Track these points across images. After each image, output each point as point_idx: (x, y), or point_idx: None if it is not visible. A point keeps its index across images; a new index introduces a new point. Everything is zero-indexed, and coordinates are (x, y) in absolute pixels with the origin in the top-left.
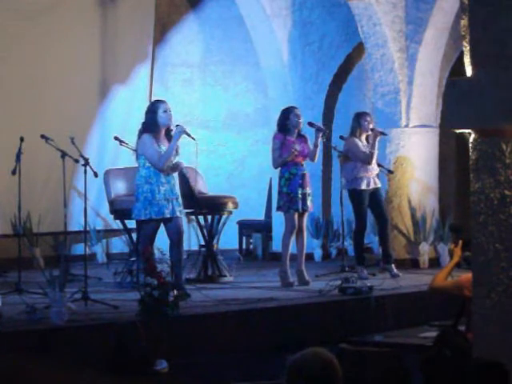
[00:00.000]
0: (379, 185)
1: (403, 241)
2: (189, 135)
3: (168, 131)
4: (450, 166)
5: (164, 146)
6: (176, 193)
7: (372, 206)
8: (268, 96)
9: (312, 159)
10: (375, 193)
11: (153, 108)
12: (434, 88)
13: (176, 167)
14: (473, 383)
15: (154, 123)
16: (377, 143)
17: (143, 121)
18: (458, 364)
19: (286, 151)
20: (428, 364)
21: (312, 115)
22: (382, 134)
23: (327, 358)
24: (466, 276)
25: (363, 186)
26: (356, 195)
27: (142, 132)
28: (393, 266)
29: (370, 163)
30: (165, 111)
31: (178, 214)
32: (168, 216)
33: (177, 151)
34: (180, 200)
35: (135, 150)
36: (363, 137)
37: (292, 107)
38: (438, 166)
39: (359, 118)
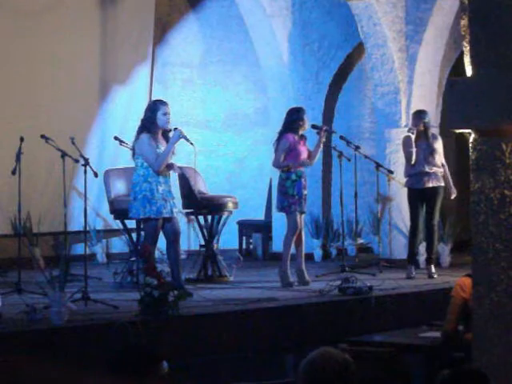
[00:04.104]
0: (437, 184)
1: (403, 241)
2: (187, 140)
3: (165, 132)
4: (449, 165)
5: (162, 145)
6: (172, 194)
7: (426, 204)
8: (268, 96)
9: (313, 159)
10: (430, 191)
11: (153, 107)
12: (434, 88)
13: (170, 167)
14: None
15: (152, 122)
16: (413, 143)
17: (142, 117)
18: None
19: (291, 155)
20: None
21: (312, 115)
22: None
23: (344, 358)
24: (460, 280)
25: (414, 185)
26: (408, 193)
27: (140, 130)
28: (432, 266)
29: (409, 162)
30: (164, 114)
31: (174, 214)
32: (166, 216)
33: (173, 152)
34: (175, 201)
35: (132, 149)
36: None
37: (299, 108)
38: None
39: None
